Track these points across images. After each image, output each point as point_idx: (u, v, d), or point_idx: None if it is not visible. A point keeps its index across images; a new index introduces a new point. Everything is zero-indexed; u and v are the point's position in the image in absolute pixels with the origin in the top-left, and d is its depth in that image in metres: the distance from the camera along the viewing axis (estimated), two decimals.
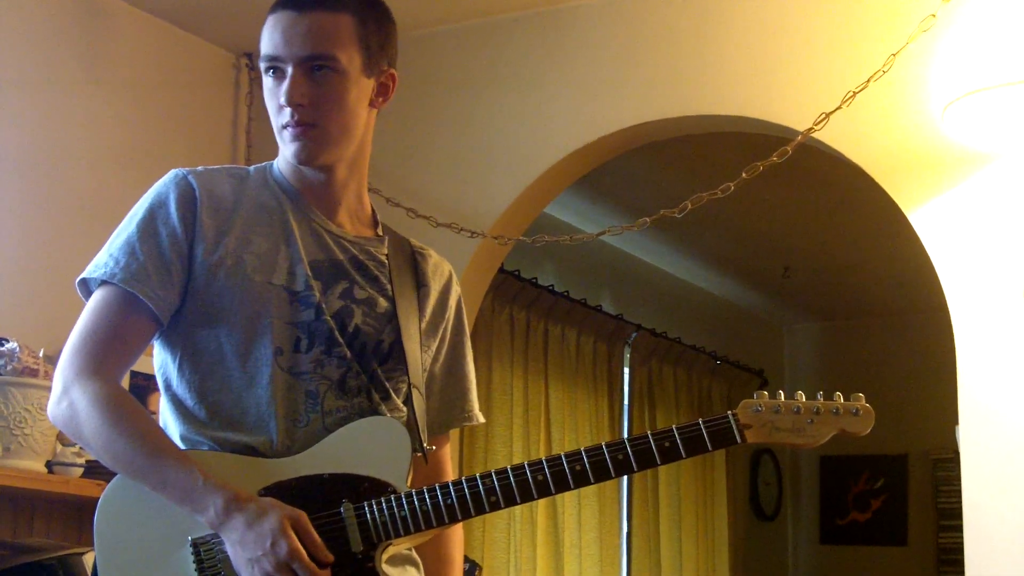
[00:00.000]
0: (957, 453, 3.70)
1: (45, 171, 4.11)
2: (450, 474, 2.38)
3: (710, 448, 2.07)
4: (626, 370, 6.94)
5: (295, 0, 2.15)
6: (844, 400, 2.10)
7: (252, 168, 2.30)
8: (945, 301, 3.71)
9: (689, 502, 7.27)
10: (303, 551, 1.97)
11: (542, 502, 5.89)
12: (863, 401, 2.10)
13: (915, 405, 7.92)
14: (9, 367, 3.49)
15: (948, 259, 3.71)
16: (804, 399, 2.09)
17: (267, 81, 2.19)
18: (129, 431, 2.05)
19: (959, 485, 3.65)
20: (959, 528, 3.66)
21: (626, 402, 6.94)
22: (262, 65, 2.18)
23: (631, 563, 6.81)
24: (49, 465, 3.59)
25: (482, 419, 2.44)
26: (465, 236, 4.37)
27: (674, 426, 2.07)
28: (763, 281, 7.81)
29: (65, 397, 2.09)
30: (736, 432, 2.06)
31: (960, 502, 3.63)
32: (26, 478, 3.50)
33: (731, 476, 7.84)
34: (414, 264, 2.34)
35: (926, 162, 3.75)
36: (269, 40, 2.16)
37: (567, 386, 6.29)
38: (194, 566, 2.03)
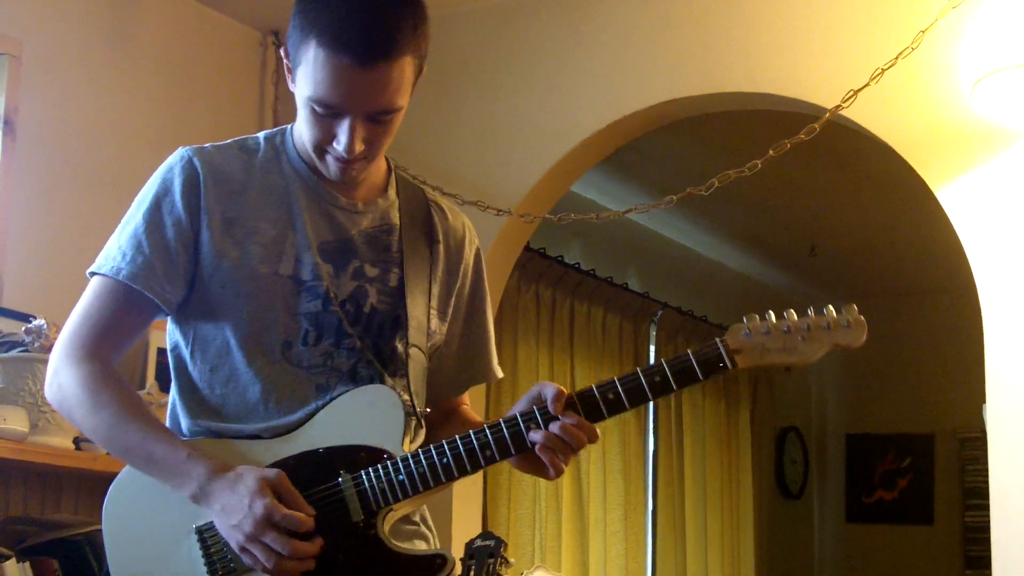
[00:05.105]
0: (984, 432, 3.68)
1: (72, 149, 4.12)
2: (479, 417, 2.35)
3: (701, 377, 2.00)
4: (652, 348, 6.93)
5: (355, 50, 1.97)
6: (835, 313, 2.04)
7: (263, 137, 2.23)
8: (973, 279, 3.69)
9: (714, 480, 7.27)
10: (279, 505, 1.96)
11: (567, 478, 5.90)
12: (855, 312, 2.04)
13: (942, 384, 7.90)
14: (37, 344, 3.49)
15: (976, 237, 3.69)
16: (795, 317, 2.03)
17: (311, 111, 2.06)
18: (114, 411, 2.06)
19: (986, 464, 3.64)
20: (985, 507, 3.65)
21: None
22: (312, 104, 2.03)
23: (656, 540, 6.82)
24: (76, 442, 3.60)
25: (500, 374, 2.39)
26: (491, 214, 4.37)
27: (664, 359, 2.02)
28: (790, 259, 7.78)
29: (55, 379, 2.10)
30: (726, 357, 2.00)
31: (987, 481, 3.62)
32: (54, 455, 3.52)
33: (756, 454, 7.83)
34: (428, 219, 2.29)
35: (955, 140, 3.72)
36: (325, 87, 2.00)
37: (593, 364, 6.30)
38: (201, 552, 2.04)
